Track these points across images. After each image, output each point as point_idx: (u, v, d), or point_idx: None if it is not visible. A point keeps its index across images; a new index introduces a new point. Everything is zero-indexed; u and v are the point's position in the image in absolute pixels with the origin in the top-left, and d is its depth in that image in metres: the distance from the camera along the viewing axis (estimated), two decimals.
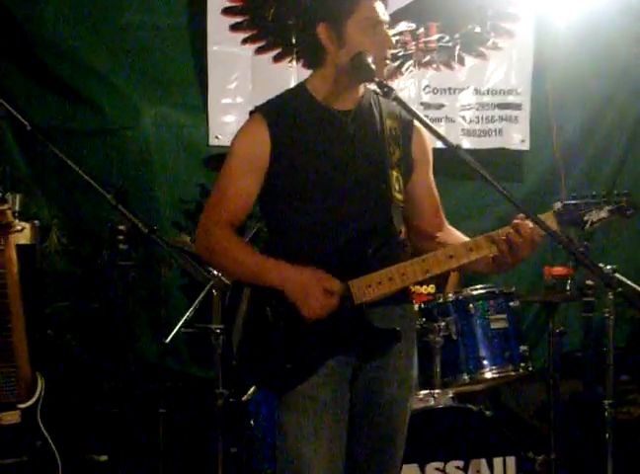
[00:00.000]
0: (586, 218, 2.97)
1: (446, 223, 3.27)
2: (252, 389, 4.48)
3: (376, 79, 2.96)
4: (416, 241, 3.22)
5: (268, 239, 3.21)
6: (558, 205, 2.98)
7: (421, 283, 3.36)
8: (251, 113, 3.11)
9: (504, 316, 4.60)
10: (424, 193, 3.22)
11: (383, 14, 3.02)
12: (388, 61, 3.07)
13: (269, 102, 3.14)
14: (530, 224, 2.91)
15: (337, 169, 3.04)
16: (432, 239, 3.22)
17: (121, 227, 3.74)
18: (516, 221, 2.94)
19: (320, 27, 3.04)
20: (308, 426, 2.97)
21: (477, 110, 6.04)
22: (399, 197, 3.09)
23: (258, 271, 2.99)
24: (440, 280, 5.14)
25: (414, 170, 3.18)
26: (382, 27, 3.01)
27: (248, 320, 3.05)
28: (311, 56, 3.12)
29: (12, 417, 4.34)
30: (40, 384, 4.43)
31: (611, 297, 4.53)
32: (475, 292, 4.62)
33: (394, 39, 5.73)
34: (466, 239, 3.12)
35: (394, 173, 3.08)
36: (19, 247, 4.55)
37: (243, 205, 3.08)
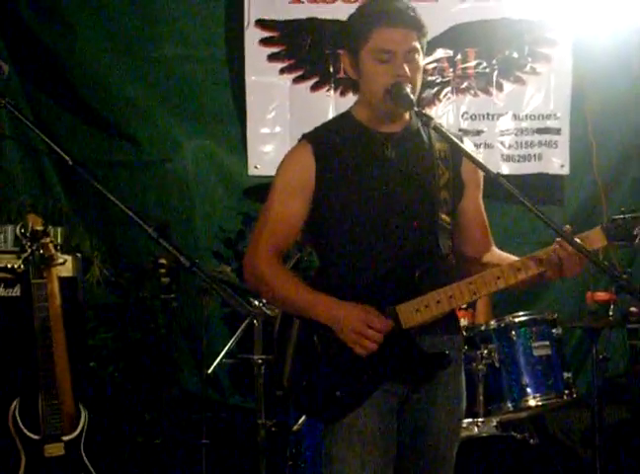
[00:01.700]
0: (635, 232, 2.92)
1: (494, 247, 3.25)
2: (302, 418, 4.44)
3: (415, 108, 2.97)
4: (462, 263, 3.20)
5: (317, 266, 3.21)
6: (606, 221, 2.95)
7: None
8: (299, 140, 3.14)
9: (547, 343, 4.56)
10: (473, 216, 3.20)
11: (397, 43, 2.99)
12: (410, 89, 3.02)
13: (315, 128, 3.17)
14: (575, 239, 2.88)
15: (377, 192, 3.04)
16: (478, 261, 3.19)
17: (163, 260, 3.76)
18: (559, 239, 2.91)
19: (342, 54, 3.13)
20: (355, 457, 2.96)
21: (516, 135, 6.01)
22: (446, 218, 3.08)
23: (304, 307, 2.99)
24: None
25: (464, 193, 3.16)
26: (396, 56, 2.98)
27: (297, 349, 3.05)
28: (350, 84, 3.18)
29: (56, 449, 4.37)
30: (84, 416, 4.47)
31: None
32: (517, 319, 4.58)
33: (431, 67, 5.93)
34: (512, 258, 3.10)
35: (442, 195, 3.08)
36: (61, 279, 4.61)
37: (289, 229, 3.09)
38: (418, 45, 3.03)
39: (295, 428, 4.45)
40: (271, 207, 3.10)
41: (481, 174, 3.18)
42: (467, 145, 3.07)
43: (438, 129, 2.95)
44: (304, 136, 3.13)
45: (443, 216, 3.07)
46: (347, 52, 3.08)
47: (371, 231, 3.03)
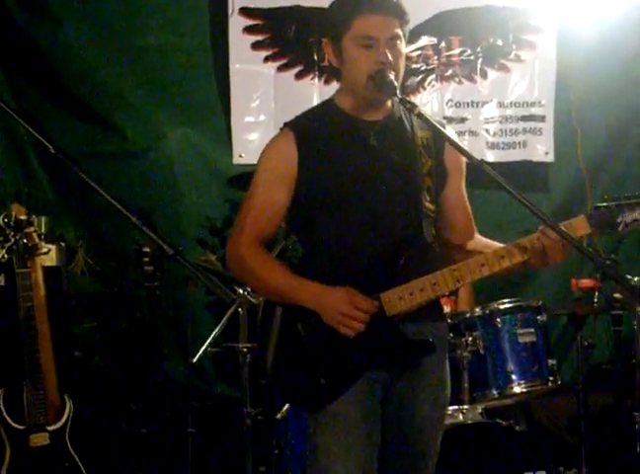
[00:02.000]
0: (619, 220, 2.92)
1: (476, 232, 3.25)
2: (285, 407, 4.45)
3: (399, 95, 2.96)
4: (446, 250, 3.19)
5: (301, 254, 3.22)
6: (590, 209, 2.95)
7: None
8: (281, 128, 3.14)
9: (531, 330, 4.57)
10: (456, 205, 3.20)
11: (379, 29, 2.98)
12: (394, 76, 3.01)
13: (297, 117, 3.17)
14: (559, 226, 2.88)
15: (361, 180, 3.04)
16: (461, 248, 3.20)
17: (147, 249, 3.75)
18: (543, 226, 2.91)
19: (324, 42, 3.11)
20: (339, 444, 2.97)
21: (501, 123, 6.02)
22: (430, 206, 3.08)
23: (288, 292, 3.00)
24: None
25: (447, 180, 3.16)
26: (379, 42, 2.98)
27: (281, 337, 3.05)
28: (331, 71, 3.17)
29: (41, 439, 4.36)
30: (69, 406, 4.46)
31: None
32: (502, 306, 4.59)
33: (416, 54, 5.92)
34: (496, 245, 3.10)
35: (425, 183, 3.07)
36: (45, 269, 4.59)
37: (272, 218, 3.09)
38: (400, 32, 3.02)
39: (279, 416, 4.46)
40: (253, 196, 3.10)
41: (464, 161, 3.17)
42: (450, 133, 3.07)
43: (422, 116, 2.94)
44: (286, 125, 3.12)
45: (427, 204, 3.07)
46: (329, 40, 3.07)
47: (355, 219, 3.03)
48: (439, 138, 3.08)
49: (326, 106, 3.17)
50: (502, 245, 3.05)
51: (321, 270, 3.03)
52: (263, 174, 3.09)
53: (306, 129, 3.08)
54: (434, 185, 3.10)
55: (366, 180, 3.04)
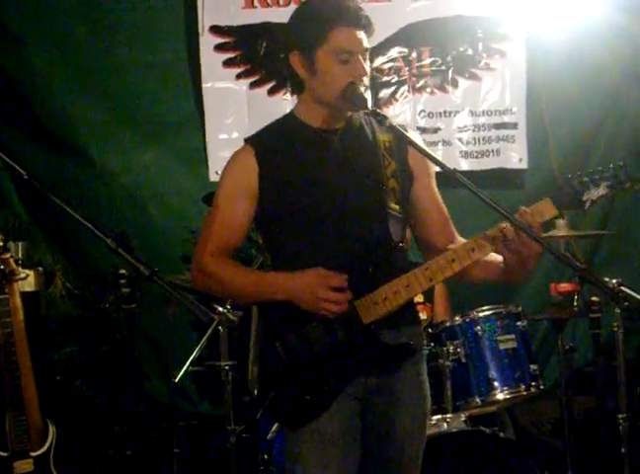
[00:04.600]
0: (584, 198, 2.90)
1: (457, 235, 3.22)
2: (275, 426, 4.42)
3: (370, 108, 2.97)
4: (428, 255, 3.16)
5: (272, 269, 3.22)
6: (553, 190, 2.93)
7: None
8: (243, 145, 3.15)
9: (512, 336, 4.57)
10: (428, 205, 3.18)
11: (357, 44, 3.00)
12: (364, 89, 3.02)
13: (257, 132, 3.18)
14: (528, 211, 2.87)
15: (326, 188, 3.04)
16: (443, 252, 3.16)
17: (123, 271, 3.75)
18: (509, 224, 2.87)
19: (292, 55, 3.07)
20: (316, 459, 2.97)
21: (473, 131, 6.04)
22: (396, 207, 3.07)
23: (259, 288, 3.01)
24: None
25: (414, 182, 3.15)
26: (355, 56, 2.99)
27: (260, 356, 3.05)
28: (291, 84, 3.15)
29: (25, 465, 4.35)
30: (52, 431, 4.44)
31: (618, 311, 4.52)
32: (482, 314, 4.58)
33: (387, 66, 5.95)
34: None
35: (390, 184, 3.07)
36: (24, 294, 4.57)
37: (234, 229, 3.10)
38: (368, 46, 3.05)
39: (270, 436, 4.43)
40: (216, 211, 3.12)
41: (431, 162, 3.13)
42: (415, 137, 3.07)
43: (394, 128, 2.97)
44: (246, 140, 3.15)
45: (393, 205, 3.06)
46: (299, 53, 3.04)
47: (321, 228, 3.03)
48: (402, 141, 3.08)
49: (287, 119, 3.18)
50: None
51: None
52: (224, 188, 3.12)
53: (266, 143, 3.10)
54: (399, 186, 3.09)
55: (332, 187, 3.04)
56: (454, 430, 4.31)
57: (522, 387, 4.53)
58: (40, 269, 5.05)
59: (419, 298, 5.03)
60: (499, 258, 2.98)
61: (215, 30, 5.91)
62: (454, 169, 2.86)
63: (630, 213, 6.12)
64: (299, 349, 2.98)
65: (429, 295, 5.12)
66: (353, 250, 3.02)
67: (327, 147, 3.08)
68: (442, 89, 6.07)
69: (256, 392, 3.04)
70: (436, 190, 3.21)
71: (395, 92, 6.05)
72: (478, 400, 4.50)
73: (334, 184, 3.05)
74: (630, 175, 2.92)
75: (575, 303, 5.03)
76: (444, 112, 6.05)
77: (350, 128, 3.12)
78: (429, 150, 2.99)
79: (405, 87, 6.06)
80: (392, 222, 3.06)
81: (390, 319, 3.00)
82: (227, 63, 5.94)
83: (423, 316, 5.00)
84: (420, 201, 3.17)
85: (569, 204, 2.93)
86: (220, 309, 4.32)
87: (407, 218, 3.16)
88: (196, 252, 3.15)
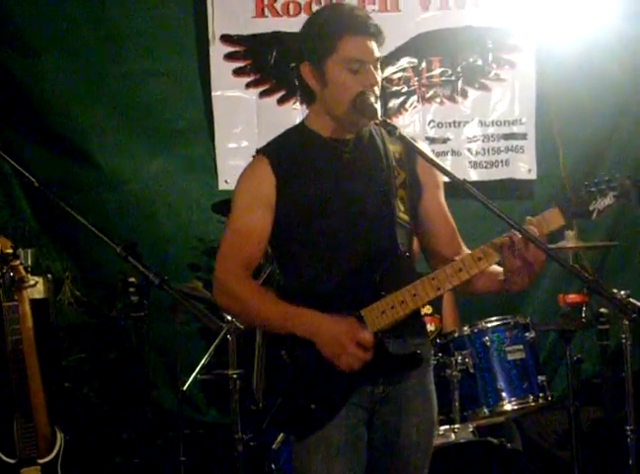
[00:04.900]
0: (591, 208, 2.89)
1: (464, 246, 3.20)
2: (281, 436, 4.41)
3: (380, 118, 2.97)
4: (434, 265, 3.15)
5: (281, 279, 3.21)
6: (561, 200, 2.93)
7: None
8: (253, 156, 3.15)
9: (520, 347, 4.57)
10: (436, 216, 3.17)
11: (368, 53, 3.00)
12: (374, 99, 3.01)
13: (269, 142, 3.16)
14: (534, 222, 2.87)
15: (339, 197, 3.03)
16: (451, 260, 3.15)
17: (132, 279, 3.75)
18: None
19: (303, 66, 3.05)
20: (322, 470, 2.96)
21: (483, 141, 6.04)
22: (404, 217, 3.07)
23: (284, 321, 2.95)
24: (435, 299, 5.09)
25: (423, 193, 3.15)
26: (365, 65, 2.99)
27: (266, 366, 3.04)
28: (302, 94, 3.15)
29: (33, 472, 4.34)
30: (60, 438, 4.44)
31: (627, 323, 4.52)
32: (490, 324, 4.59)
33: (397, 76, 5.96)
34: None
35: (399, 194, 3.07)
36: (33, 301, 4.58)
37: (257, 244, 3.06)
38: (380, 55, 3.05)
39: (275, 446, 4.43)
40: (235, 224, 3.08)
41: (439, 174, 3.14)
42: (424, 148, 3.06)
43: (403, 139, 2.96)
44: (259, 151, 3.13)
45: (401, 214, 3.06)
46: (309, 63, 3.03)
47: (332, 237, 3.02)
48: (411, 151, 3.07)
49: (298, 129, 3.16)
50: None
51: (301, 292, 3.02)
52: (242, 201, 3.08)
53: (280, 154, 3.07)
54: (407, 196, 3.09)
55: (344, 197, 3.04)
56: (462, 440, 4.31)
57: (530, 398, 4.53)
58: (50, 276, 5.06)
59: (427, 310, 5.04)
60: (500, 269, 2.98)
61: (226, 39, 5.92)
62: (464, 179, 2.86)
63: (639, 224, 6.12)
64: (305, 357, 2.97)
65: (437, 306, 5.12)
66: (360, 258, 3.01)
67: (339, 158, 3.07)
68: (452, 99, 6.07)
69: (261, 402, 3.04)
70: (443, 201, 3.20)
71: (404, 102, 6.06)
72: (486, 411, 4.49)
73: (347, 194, 3.04)
74: (638, 185, 2.92)
75: (583, 314, 5.02)
76: (454, 122, 6.06)
77: (360, 139, 3.11)
78: (438, 161, 2.99)
79: (414, 97, 6.07)
80: (400, 232, 3.06)
81: (399, 330, 3.00)
82: (237, 72, 5.95)
83: (431, 327, 5.01)
84: (428, 212, 3.17)
85: (576, 214, 2.93)
86: (229, 318, 4.32)
87: (415, 229, 3.15)
88: (217, 268, 3.08)
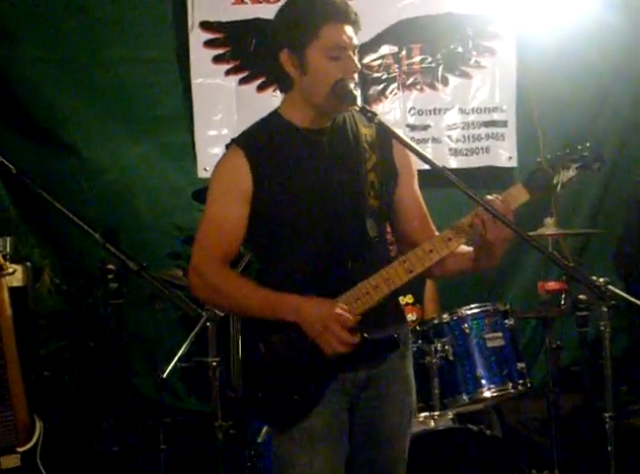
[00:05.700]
0: (555, 181, 2.93)
1: (436, 232, 3.18)
2: (265, 428, 4.40)
3: (359, 105, 2.96)
4: (406, 251, 3.09)
5: (257, 269, 3.21)
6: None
7: (397, 294, 3.30)
8: (227, 145, 3.11)
9: (500, 334, 4.58)
10: (409, 202, 3.18)
11: (348, 40, 2.99)
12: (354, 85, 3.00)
13: (243, 133, 3.13)
14: (500, 199, 2.89)
15: (316, 188, 3.02)
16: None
17: (111, 266, 3.73)
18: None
19: (282, 53, 3.03)
20: (304, 456, 2.97)
21: (463, 129, 6.05)
22: (374, 202, 3.06)
23: (267, 306, 2.95)
24: (416, 289, 5.11)
25: (398, 179, 3.14)
26: (346, 52, 2.98)
27: (245, 359, 3.04)
28: (279, 82, 3.13)
29: (12, 461, 4.32)
30: (39, 426, 4.42)
31: (605, 309, 4.54)
32: (470, 312, 4.59)
33: (377, 63, 5.95)
34: None
35: (369, 178, 3.06)
36: (11, 289, 4.55)
37: (234, 234, 3.05)
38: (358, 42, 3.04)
39: (260, 439, 4.41)
40: (211, 215, 3.07)
41: (413, 161, 3.15)
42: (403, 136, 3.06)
43: (382, 125, 2.96)
44: (233, 141, 3.09)
45: (371, 200, 3.05)
46: (289, 51, 3.01)
47: (306, 227, 3.02)
48: (385, 135, 3.07)
49: (272, 118, 3.13)
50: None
51: (276, 282, 3.00)
52: (218, 192, 3.06)
53: (255, 144, 3.05)
54: (377, 180, 3.08)
55: (318, 186, 3.03)
56: (442, 427, 4.32)
57: (510, 385, 4.54)
58: (29, 264, 5.03)
59: (409, 299, 5.05)
60: (470, 249, 3.01)
61: (205, 25, 5.90)
62: (443, 166, 2.87)
63: (619, 212, 6.14)
64: (283, 350, 2.97)
65: (419, 297, 5.13)
66: (332, 246, 3.01)
67: (316, 147, 3.06)
68: (432, 86, 6.07)
69: (240, 393, 3.03)
70: (417, 188, 3.21)
71: (385, 89, 6.05)
72: (465, 398, 4.51)
73: (322, 183, 3.03)
74: (598, 155, 2.97)
75: (562, 302, 5.04)
76: (434, 109, 6.06)
77: (335, 125, 3.10)
78: (417, 147, 2.98)
79: (395, 84, 6.06)
80: (369, 217, 3.06)
81: (378, 319, 2.99)
82: (217, 59, 5.93)
83: (412, 317, 5.02)
84: (402, 198, 3.17)
85: (540, 188, 2.96)
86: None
87: (385, 213, 3.15)
88: (193, 259, 3.07)
